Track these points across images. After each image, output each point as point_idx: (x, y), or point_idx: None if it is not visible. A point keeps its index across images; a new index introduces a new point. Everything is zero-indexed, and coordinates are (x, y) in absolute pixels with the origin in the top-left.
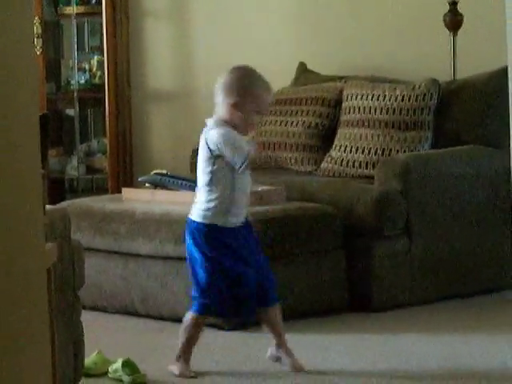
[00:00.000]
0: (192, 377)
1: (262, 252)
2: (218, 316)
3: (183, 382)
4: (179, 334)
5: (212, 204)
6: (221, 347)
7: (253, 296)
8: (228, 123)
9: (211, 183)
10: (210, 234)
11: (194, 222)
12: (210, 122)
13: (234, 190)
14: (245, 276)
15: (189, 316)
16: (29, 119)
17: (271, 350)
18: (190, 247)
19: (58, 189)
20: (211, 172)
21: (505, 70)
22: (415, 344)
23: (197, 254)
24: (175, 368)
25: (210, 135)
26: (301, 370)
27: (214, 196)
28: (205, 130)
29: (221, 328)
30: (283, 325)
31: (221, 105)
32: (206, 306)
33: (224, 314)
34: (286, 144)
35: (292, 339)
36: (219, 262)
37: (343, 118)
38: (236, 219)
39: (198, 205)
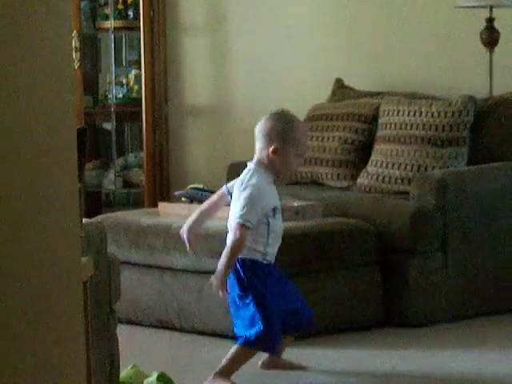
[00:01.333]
0: None
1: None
2: (265, 350)
3: None
4: (227, 355)
5: (249, 244)
6: (258, 361)
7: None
8: (268, 168)
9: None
10: (253, 269)
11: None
12: (250, 165)
13: (269, 234)
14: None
15: (241, 347)
16: (66, 133)
17: (264, 359)
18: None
19: (95, 202)
20: None
21: None
22: (453, 360)
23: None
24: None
25: (244, 190)
26: (303, 367)
27: (249, 238)
28: (245, 172)
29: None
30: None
31: (261, 150)
32: (254, 341)
33: (269, 348)
34: (322, 159)
35: (327, 354)
36: (263, 295)
37: (379, 133)
38: (270, 259)
39: None
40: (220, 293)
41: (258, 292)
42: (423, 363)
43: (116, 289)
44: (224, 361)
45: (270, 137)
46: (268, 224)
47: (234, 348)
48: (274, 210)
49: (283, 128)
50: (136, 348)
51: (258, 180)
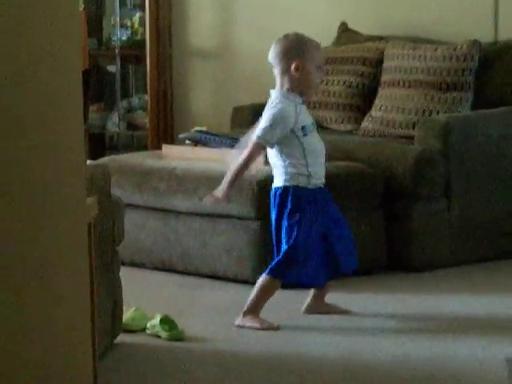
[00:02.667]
0: (277, 328)
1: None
2: (297, 282)
3: (221, 337)
4: (253, 291)
5: (289, 169)
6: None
7: (323, 266)
8: (294, 89)
9: (281, 151)
10: (289, 196)
11: (276, 187)
12: (274, 93)
13: (306, 153)
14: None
15: (266, 277)
16: (72, 74)
17: (308, 302)
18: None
19: (99, 144)
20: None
21: None
22: (454, 304)
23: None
24: (248, 321)
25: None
26: (348, 311)
27: (287, 162)
28: (269, 101)
29: (254, 283)
30: None
31: (281, 74)
32: (285, 272)
33: (301, 281)
34: (326, 103)
35: (329, 298)
36: (298, 223)
37: (384, 77)
38: (317, 181)
39: (277, 173)
40: (222, 203)
41: (292, 218)
42: (424, 307)
43: (119, 231)
44: (250, 297)
45: (287, 56)
46: (301, 143)
47: (258, 281)
48: (304, 128)
49: (298, 45)
50: (139, 290)
51: (283, 101)
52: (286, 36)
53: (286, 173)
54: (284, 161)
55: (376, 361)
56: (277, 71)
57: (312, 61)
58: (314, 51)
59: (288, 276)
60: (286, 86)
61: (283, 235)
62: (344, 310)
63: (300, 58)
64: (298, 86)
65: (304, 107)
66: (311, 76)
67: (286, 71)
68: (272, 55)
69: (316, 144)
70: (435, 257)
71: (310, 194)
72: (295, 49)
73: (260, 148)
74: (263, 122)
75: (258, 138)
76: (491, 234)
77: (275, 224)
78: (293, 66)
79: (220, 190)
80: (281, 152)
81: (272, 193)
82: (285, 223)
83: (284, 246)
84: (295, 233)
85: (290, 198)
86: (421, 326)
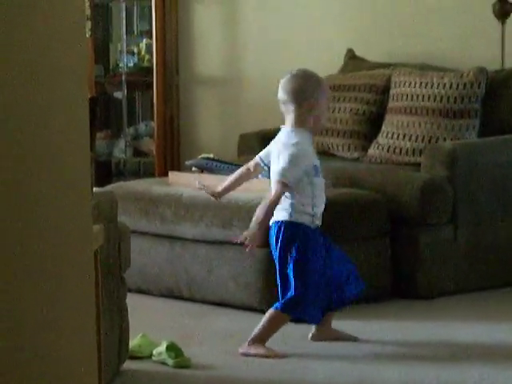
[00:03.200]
0: (282, 356)
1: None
2: (302, 319)
3: (227, 365)
4: (261, 322)
5: (297, 206)
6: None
7: (324, 300)
8: (306, 126)
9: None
10: (299, 232)
11: (281, 221)
12: (287, 131)
13: (314, 194)
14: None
15: (276, 312)
16: (78, 102)
17: (313, 331)
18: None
19: (105, 171)
20: None
21: None
22: (460, 332)
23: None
24: (253, 349)
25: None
26: (355, 339)
27: (297, 199)
28: (283, 134)
29: (260, 311)
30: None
31: (294, 112)
32: (296, 310)
33: (301, 314)
34: (333, 130)
35: (336, 325)
36: (305, 261)
37: (391, 105)
38: (318, 221)
39: (283, 207)
40: (249, 246)
41: (300, 256)
42: (431, 334)
43: (126, 258)
44: (257, 327)
45: (300, 96)
46: (311, 183)
47: (267, 313)
48: (316, 168)
49: (309, 83)
50: (145, 317)
51: (301, 140)
52: (296, 75)
53: (294, 209)
54: (293, 198)
55: None
56: (287, 109)
57: (323, 98)
58: (325, 88)
59: (298, 313)
60: (299, 124)
61: (291, 269)
62: (351, 337)
63: (313, 97)
64: (310, 124)
65: (313, 146)
66: (322, 115)
67: (298, 110)
68: (283, 93)
69: (322, 185)
70: (441, 284)
71: (313, 233)
72: (307, 88)
73: (286, 187)
74: (284, 161)
75: (281, 176)
76: (498, 261)
77: (280, 256)
78: (307, 106)
79: (251, 230)
80: (291, 189)
81: (275, 225)
82: (293, 257)
83: (294, 281)
84: (306, 271)
85: (299, 234)
86: (427, 354)
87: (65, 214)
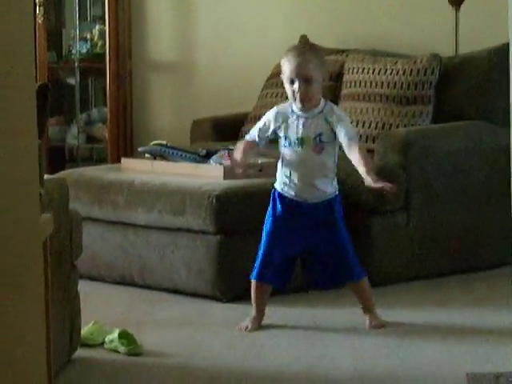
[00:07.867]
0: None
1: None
2: (271, 284)
3: (178, 352)
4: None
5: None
6: (219, 319)
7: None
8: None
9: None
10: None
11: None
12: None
13: (283, 163)
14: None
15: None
16: (26, 90)
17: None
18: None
19: (59, 157)
20: None
21: (507, 46)
22: (413, 317)
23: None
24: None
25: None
26: (381, 326)
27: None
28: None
29: (219, 300)
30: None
31: (320, 84)
32: (260, 274)
33: (273, 283)
34: None
35: (287, 313)
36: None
37: (344, 91)
38: (294, 193)
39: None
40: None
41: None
42: (385, 319)
43: (78, 245)
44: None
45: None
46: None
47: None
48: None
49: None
50: (97, 304)
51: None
52: (311, 49)
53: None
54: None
55: (336, 375)
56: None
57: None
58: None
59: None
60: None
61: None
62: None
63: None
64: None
65: None
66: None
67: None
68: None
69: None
70: (394, 271)
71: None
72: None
73: None
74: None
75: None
76: (450, 248)
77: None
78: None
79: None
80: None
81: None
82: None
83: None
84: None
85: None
86: (378, 340)
87: (12, 205)
